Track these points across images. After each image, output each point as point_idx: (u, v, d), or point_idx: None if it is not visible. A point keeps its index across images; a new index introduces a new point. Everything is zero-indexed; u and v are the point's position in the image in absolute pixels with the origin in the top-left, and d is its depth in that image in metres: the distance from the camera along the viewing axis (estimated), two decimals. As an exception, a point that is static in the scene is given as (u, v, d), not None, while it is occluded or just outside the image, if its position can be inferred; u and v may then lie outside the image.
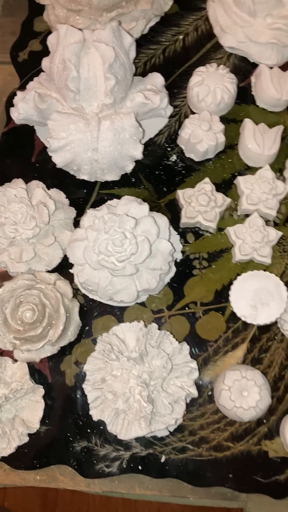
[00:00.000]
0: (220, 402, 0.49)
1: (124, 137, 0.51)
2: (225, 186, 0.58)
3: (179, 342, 0.51)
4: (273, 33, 0.56)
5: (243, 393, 0.48)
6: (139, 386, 0.46)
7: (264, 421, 0.51)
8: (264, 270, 0.53)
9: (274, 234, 0.53)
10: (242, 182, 0.55)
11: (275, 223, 0.57)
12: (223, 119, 0.59)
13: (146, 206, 0.50)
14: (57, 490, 1.18)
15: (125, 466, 0.50)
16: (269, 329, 0.53)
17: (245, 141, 0.55)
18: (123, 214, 0.49)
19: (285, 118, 0.59)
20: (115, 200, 0.52)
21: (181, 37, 0.63)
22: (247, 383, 0.48)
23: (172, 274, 0.54)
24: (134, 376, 0.47)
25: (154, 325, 0.50)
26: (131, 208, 0.50)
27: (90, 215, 0.51)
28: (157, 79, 0.56)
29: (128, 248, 0.48)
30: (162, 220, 0.51)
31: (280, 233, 0.54)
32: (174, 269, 0.54)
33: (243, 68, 0.61)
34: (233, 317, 0.53)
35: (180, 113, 0.60)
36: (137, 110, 0.52)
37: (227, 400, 0.48)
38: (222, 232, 0.56)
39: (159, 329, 0.51)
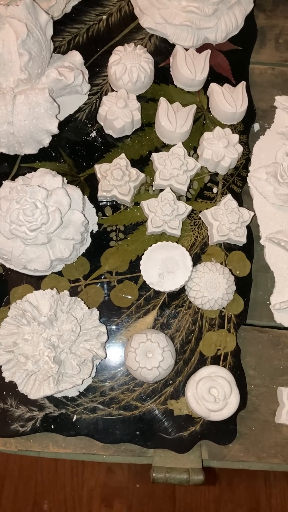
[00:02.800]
0: (127, 364, 0.53)
1: (39, 111, 0.53)
2: (142, 162, 0.60)
3: (94, 308, 0.54)
4: (187, 16, 0.59)
5: (147, 354, 0.52)
6: (47, 348, 0.49)
7: (171, 382, 0.55)
8: (177, 242, 0.57)
9: (184, 208, 0.57)
10: (156, 158, 0.58)
11: (187, 198, 0.60)
12: (142, 97, 0.62)
13: (59, 178, 0.53)
14: (6, 465, 1.21)
15: (38, 426, 0.53)
16: (178, 296, 0.57)
17: (159, 119, 0.58)
18: (36, 185, 0.51)
19: (201, 97, 0.62)
20: (33, 173, 0.54)
21: (104, 17, 0.64)
22: (151, 345, 0.52)
23: (87, 245, 0.57)
24: (43, 340, 0.49)
25: (66, 292, 0.53)
26: (45, 180, 0.52)
27: (6, 186, 0.53)
28: (75, 57, 0.58)
29: (39, 218, 0.50)
30: (76, 192, 0.53)
31: (189, 207, 0.57)
32: (89, 240, 0.57)
33: (164, 49, 0.64)
34: (145, 285, 0.56)
35: (102, 91, 0.62)
36: (52, 86, 0.54)
37: (133, 361, 0.52)
38: (138, 206, 0.59)
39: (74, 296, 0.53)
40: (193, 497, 1.21)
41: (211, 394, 0.52)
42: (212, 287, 0.55)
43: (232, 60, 0.64)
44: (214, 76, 0.63)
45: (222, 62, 0.64)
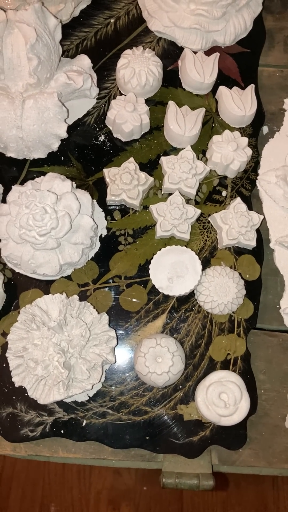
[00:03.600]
0: (137, 368, 0.52)
1: (48, 115, 0.53)
2: (151, 166, 0.60)
3: (103, 313, 0.54)
4: (196, 19, 0.59)
5: (157, 359, 0.51)
6: (57, 353, 0.49)
7: (180, 387, 0.54)
8: (186, 246, 0.56)
9: (193, 212, 0.56)
10: (165, 162, 0.58)
11: (196, 201, 0.59)
12: (151, 101, 0.62)
13: (68, 183, 0.53)
14: (14, 467, 1.21)
15: (48, 430, 0.53)
16: (187, 301, 0.57)
17: (168, 122, 0.58)
18: (46, 190, 0.51)
19: (209, 101, 0.62)
20: (42, 177, 0.54)
21: (112, 20, 0.64)
22: (161, 350, 0.51)
23: (96, 249, 0.56)
24: (53, 344, 0.49)
25: (75, 297, 0.52)
26: (54, 184, 0.52)
27: (15, 190, 0.53)
28: (84, 61, 0.58)
29: (48, 223, 0.50)
30: (85, 197, 0.53)
31: (198, 211, 0.57)
32: (98, 244, 0.57)
33: (172, 52, 0.64)
34: (154, 289, 0.56)
35: (110, 94, 0.62)
36: (61, 90, 0.54)
37: (142, 366, 0.51)
38: (147, 210, 0.59)
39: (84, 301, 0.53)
40: (200, 499, 1.20)
41: (221, 399, 0.51)
42: (221, 292, 0.54)
43: (240, 63, 0.64)
44: (223, 79, 0.63)
45: (230, 65, 0.64)
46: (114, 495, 1.20)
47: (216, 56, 0.61)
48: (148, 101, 0.61)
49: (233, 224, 0.56)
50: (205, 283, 0.55)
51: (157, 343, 0.52)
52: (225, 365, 0.55)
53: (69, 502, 1.18)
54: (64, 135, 0.55)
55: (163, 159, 0.58)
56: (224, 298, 0.54)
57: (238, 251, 0.58)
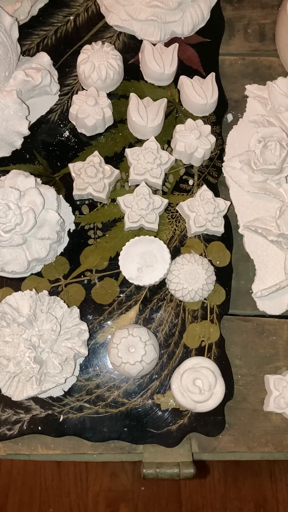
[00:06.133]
0: (111, 360, 0.52)
1: (8, 113, 0.53)
2: (117, 158, 0.60)
3: (74, 307, 0.54)
4: (152, 11, 0.59)
5: (130, 349, 0.51)
6: (28, 349, 0.49)
7: (156, 376, 0.54)
8: (156, 236, 0.56)
9: (160, 202, 0.57)
10: (129, 153, 0.58)
11: (164, 191, 0.60)
12: (114, 95, 0.62)
13: (32, 179, 0.53)
14: (10, 474, 1.20)
15: (25, 428, 0.53)
16: (159, 290, 0.57)
17: (130, 114, 0.58)
18: (8, 186, 0.51)
19: (172, 91, 0.62)
20: (6, 175, 0.54)
21: (72, 17, 0.65)
22: (133, 340, 0.51)
23: (65, 244, 0.57)
24: (24, 340, 0.49)
25: (45, 292, 0.52)
26: (17, 181, 0.52)
27: (-21, 190, 0.53)
28: (43, 58, 0.58)
29: (12, 219, 0.50)
30: (50, 192, 0.53)
31: (166, 201, 0.57)
32: (67, 239, 0.57)
33: (133, 45, 0.64)
34: (126, 281, 0.56)
35: (73, 90, 0.62)
36: (20, 87, 0.54)
37: (115, 357, 0.51)
38: (115, 203, 0.59)
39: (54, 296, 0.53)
40: (199, 496, 1.20)
41: (196, 385, 0.51)
42: (191, 279, 0.54)
43: (201, 53, 0.64)
44: (185, 69, 0.63)
45: (191, 55, 0.64)
46: (112, 497, 1.19)
47: (175, 46, 0.61)
48: (111, 95, 0.62)
49: (200, 211, 0.56)
50: (175, 271, 0.55)
51: (129, 333, 0.52)
52: (200, 352, 0.55)
53: (67, 507, 1.18)
54: (26, 132, 0.55)
55: (128, 151, 0.58)
56: (194, 285, 0.54)
57: (208, 239, 0.59)
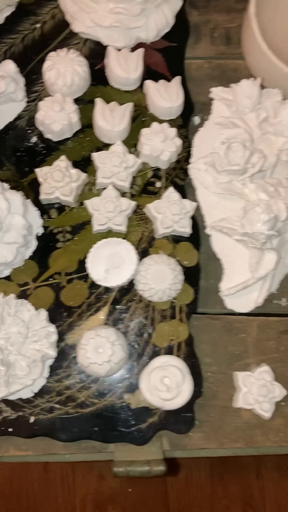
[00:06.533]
0: (79, 361, 0.53)
1: (-26, 121, 0.54)
2: (85, 162, 0.61)
3: (41, 309, 0.54)
4: (115, 17, 0.60)
5: (98, 350, 0.52)
6: (-5, 351, 0.49)
7: (126, 375, 0.55)
8: (125, 238, 0.57)
9: (127, 204, 0.58)
10: (96, 157, 0.59)
11: (132, 194, 0.61)
12: (81, 100, 0.63)
13: (-3, 185, 0.53)
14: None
15: (-4, 430, 0.53)
16: (128, 292, 0.57)
17: (95, 119, 0.59)
18: (-25, 193, 0.52)
19: (139, 96, 0.64)
20: (-27, 182, 0.55)
21: (38, 25, 0.66)
22: (101, 340, 0.52)
23: (33, 248, 0.57)
24: (-9, 343, 0.50)
25: (12, 295, 0.53)
26: (-17, 188, 0.53)
27: None
28: (8, 66, 0.59)
29: (-22, 224, 0.51)
30: (15, 197, 0.54)
31: (133, 203, 0.58)
32: (35, 243, 0.57)
33: (99, 52, 0.65)
34: (95, 283, 0.57)
35: (39, 97, 0.63)
36: (-15, 95, 0.55)
37: (84, 357, 0.52)
38: (83, 206, 0.60)
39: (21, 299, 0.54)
40: (186, 496, 1.20)
41: (164, 383, 0.52)
42: (158, 279, 0.55)
43: (167, 57, 0.66)
44: (151, 74, 0.64)
45: (158, 60, 0.65)
46: (99, 500, 1.20)
47: (140, 51, 0.62)
48: (78, 100, 0.62)
49: (166, 213, 0.57)
50: (142, 272, 0.56)
51: (97, 334, 0.52)
52: (169, 351, 0.56)
53: (55, 511, 1.18)
54: (-8, 138, 0.56)
55: (95, 155, 0.59)
56: (161, 285, 0.55)
57: (176, 239, 0.60)
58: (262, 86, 0.63)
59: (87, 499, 1.19)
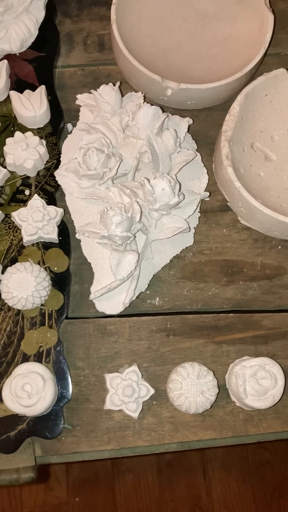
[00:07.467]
0: None
1: None
2: None
3: None
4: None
5: None
6: None
7: (-7, 385, 0.56)
8: (-6, 248, 0.58)
9: (-11, 214, 0.58)
10: None
11: (0, 203, 0.61)
12: None
13: None
14: None
15: None
16: (-5, 301, 0.58)
17: None
18: None
19: (7, 107, 0.64)
20: None
21: None
22: None
23: None
24: None
25: None
26: None
27: None
28: None
29: None
30: None
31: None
32: None
33: None
34: None
35: None
36: None
37: None
38: None
39: None
40: (133, 501, 1.20)
41: (25, 390, 0.52)
42: (20, 287, 0.56)
43: (37, 67, 0.66)
44: (21, 85, 0.65)
45: (28, 71, 0.66)
46: (47, 511, 1.19)
47: (3, 63, 0.63)
48: None
49: (29, 220, 0.58)
50: (5, 280, 0.56)
51: None
52: (38, 358, 0.56)
53: (2, 526, 1.17)
54: None
55: None
56: (23, 292, 0.56)
57: (46, 246, 0.60)
58: (136, 90, 0.64)
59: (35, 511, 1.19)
